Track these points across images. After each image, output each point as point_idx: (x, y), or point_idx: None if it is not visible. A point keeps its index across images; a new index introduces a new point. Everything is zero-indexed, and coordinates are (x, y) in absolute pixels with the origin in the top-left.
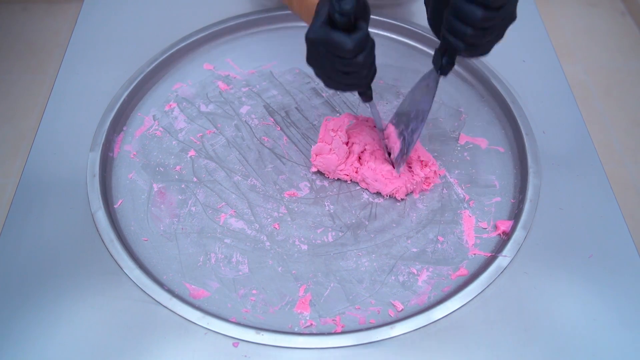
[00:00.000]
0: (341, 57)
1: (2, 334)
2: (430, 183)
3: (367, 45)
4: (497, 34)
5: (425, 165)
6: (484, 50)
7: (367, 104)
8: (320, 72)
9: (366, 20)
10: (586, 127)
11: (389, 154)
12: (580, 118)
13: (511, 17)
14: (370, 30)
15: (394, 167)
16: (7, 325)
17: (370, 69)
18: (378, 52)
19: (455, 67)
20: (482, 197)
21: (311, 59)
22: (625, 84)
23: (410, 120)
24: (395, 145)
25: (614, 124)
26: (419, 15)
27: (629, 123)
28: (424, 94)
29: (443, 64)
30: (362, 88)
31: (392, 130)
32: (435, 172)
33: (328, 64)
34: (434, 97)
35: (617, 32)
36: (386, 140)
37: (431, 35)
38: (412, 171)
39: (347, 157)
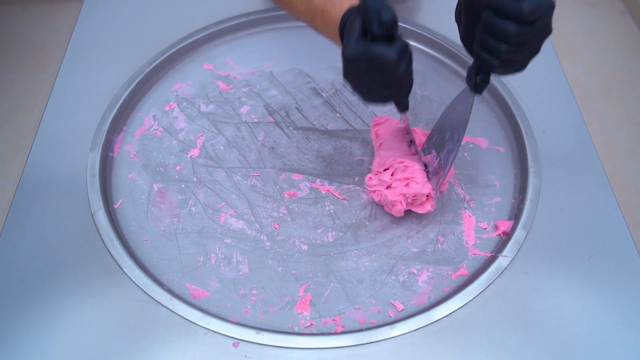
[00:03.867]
0: (383, 70)
1: (2, 334)
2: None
3: (407, 54)
4: (533, 49)
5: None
6: (520, 66)
7: (400, 114)
8: (360, 87)
9: (396, 29)
10: (586, 127)
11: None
12: (580, 118)
13: (547, 31)
14: None
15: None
16: (7, 325)
17: (410, 78)
18: None
19: (456, 67)
20: (482, 197)
21: (350, 75)
22: (625, 84)
23: (445, 141)
24: (432, 168)
25: (614, 124)
26: (418, 14)
27: (629, 123)
28: (459, 114)
29: (477, 82)
30: (402, 98)
31: (428, 153)
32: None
33: (368, 77)
34: (469, 116)
35: (617, 32)
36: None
37: (431, 35)
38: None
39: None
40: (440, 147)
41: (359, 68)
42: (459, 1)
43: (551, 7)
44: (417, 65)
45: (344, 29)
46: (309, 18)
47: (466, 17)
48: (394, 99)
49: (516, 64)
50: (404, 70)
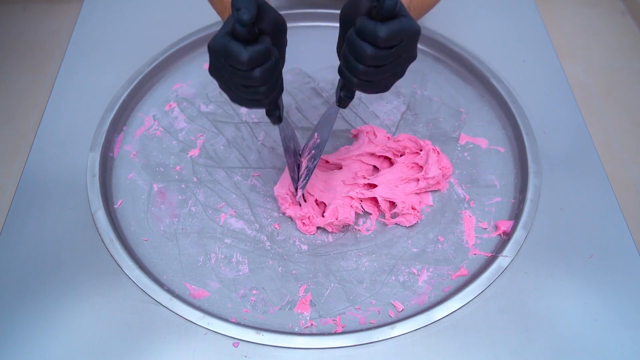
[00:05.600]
0: (237, 69)
1: (2, 334)
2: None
3: (268, 60)
4: (395, 72)
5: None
6: (381, 87)
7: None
8: (223, 85)
9: (278, 36)
10: (586, 127)
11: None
12: (580, 118)
13: (410, 57)
14: None
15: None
16: (7, 325)
17: (270, 87)
18: None
19: (456, 66)
20: (483, 197)
21: (213, 69)
22: (625, 84)
23: (312, 148)
24: (302, 172)
25: (614, 124)
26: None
27: (629, 123)
28: (325, 124)
29: (341, 96)
30: (265, 106)
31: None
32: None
33: (227, 76)
34: (332, 127)
35: (617, 32)
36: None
37: (431, 35)
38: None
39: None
40: (309, 153)
41: (219, 63)
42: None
43: (415, 34)
44: (417, 65)
45: None
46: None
47: (341, 31)
48: (256, 104)
49: (376, 85)
50: (258, 75)
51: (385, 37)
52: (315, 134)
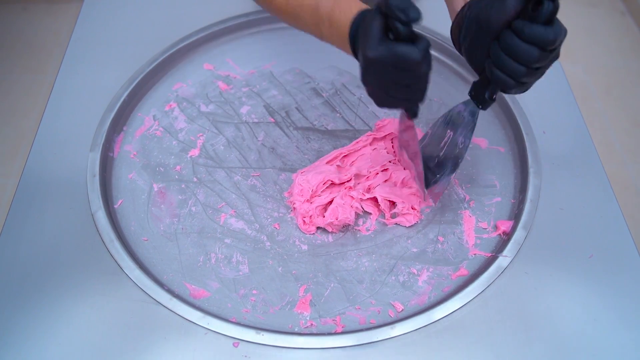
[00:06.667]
0: (406, 70)
1: (2, 334)
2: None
3: (429, 54)
4: (543, 72)
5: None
6: (528, 87)
7: (402, 120)
8: (378, 90)
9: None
10: (586, 127)
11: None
12: (580, 118)
13: (557, 56)
14: None
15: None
16: (7, 325)
17: (428, 80)
18: None
19: (456, 67)
20: (483, 197)
21: (369, 78)
22: (625, 84)
23: (440, 152)
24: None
25: (614, 124)
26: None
27: (629, 123)
28: (464, 128)
29: (486, 98)
30: (418, 101)
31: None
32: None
33: (389, 79)
34: (473, 132)
35: (617, 32)
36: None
37: (431, 35)
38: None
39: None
40: (438, 162)
41: (381, 69)
42: (459, 16)
43: (566, 34)
44: None
45: (355, 33)
46: (315, 26)
47: (476, 33)
48: (410, 102)
49: (527, 85)
50: (425, 70)
51: (554, 39)
52: (442, 137)
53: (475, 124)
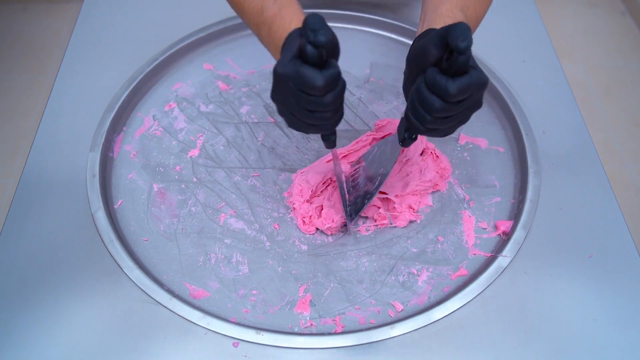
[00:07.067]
0: (309, 94)
1: (2, 334)
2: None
3: (338, 84)
4: (460, 120)
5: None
6: (446, 133)
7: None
8: (285, 110)
9: (336, 58)
10: (586, 127)
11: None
12: (580, 118)
13: (476, 105)
14: (371, 30)
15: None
16: (7, 325)
17: (337, 112)
18: (379, 51)
19: None
20: (482, 197)
21: (276, 95)
22: (625, 84)
23: (367, 179)
24: (351, 195)
25: (614, 124)
26: (417, 14)
27: (629, 123)
28: (386, 159)
29: (405, 137)
30: (326, 131)
31: (352, 177)
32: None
33: (293, 100)
34: (394, 164)
35: (617, 32)
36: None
37: None
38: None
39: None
40: (363, 182)
41: (285, 88)
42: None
43: (483, 86)
44: None
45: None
46: (256, 26)
47: (408, 71)
48: (318, 130)
49: (441, 132)
50: (330, 100)
51: (455, 93)
52: (370, 165)
53: (396, 158)
